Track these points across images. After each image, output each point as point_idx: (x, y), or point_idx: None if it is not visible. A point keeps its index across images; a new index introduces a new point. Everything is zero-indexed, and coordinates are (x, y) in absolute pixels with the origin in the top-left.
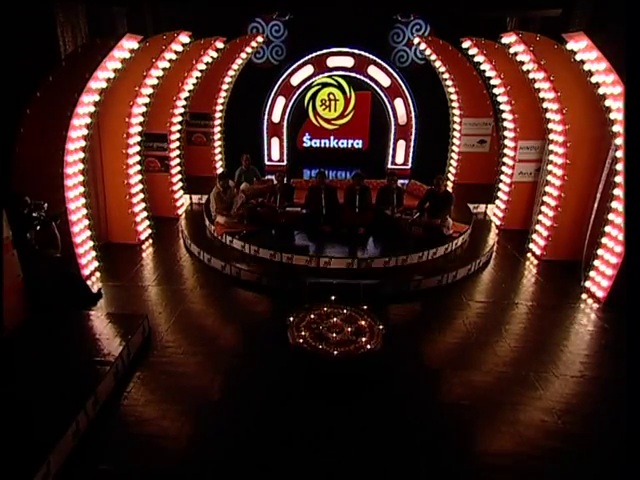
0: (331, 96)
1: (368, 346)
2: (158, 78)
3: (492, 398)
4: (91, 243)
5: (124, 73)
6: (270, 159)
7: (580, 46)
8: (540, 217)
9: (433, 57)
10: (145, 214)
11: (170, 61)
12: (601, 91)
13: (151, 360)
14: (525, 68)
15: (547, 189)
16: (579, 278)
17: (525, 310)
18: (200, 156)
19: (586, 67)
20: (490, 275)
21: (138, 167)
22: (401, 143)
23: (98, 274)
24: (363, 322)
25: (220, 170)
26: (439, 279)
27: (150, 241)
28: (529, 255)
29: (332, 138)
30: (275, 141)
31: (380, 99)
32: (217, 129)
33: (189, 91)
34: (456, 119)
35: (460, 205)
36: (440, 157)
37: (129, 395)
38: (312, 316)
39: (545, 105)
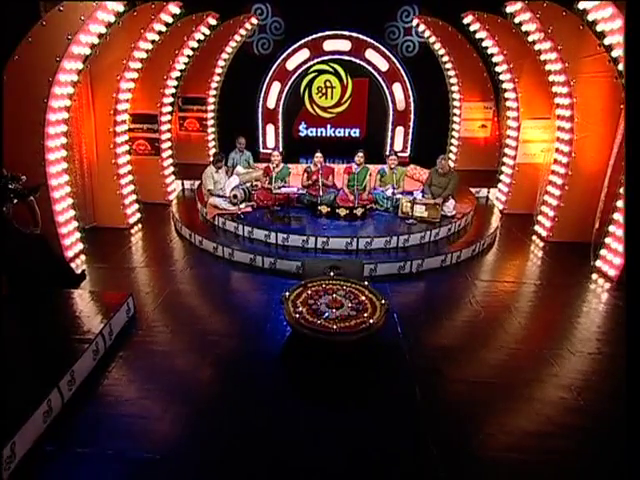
0: (327, 83)
1: (371, 321)
2: (147, 52)
3: (505, 375)
4: (75, 224)
5: (111, 43)
6: (265, 146)
7: (594, 2)
8: (546, 197)
9: (432, 39)
10: (134, 197)
11: (159, 33)
12: (614, 54)
13: (135, 339)
14: (530, 39)
15: (554, 167)
16: (588, 258)
17: (533, 289)
18: (193, 143)
19: (599, 28)
20: (495, 256)
21: (126, 147)
22: (399, 130)
23: (83, 257)
24: (364, 297)
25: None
26: (442, 259)
27: (139, 226)
28: (534, 237)
29: (329, 127)
30: (270, 128)
31: (378, 85)
32: (210, 114)
33: (181, 70)
34: (456, 103)
35: (462, 188)
36: (439, 143)
37: (110, 375)
38: (309, 292)
39: (551, 78)
